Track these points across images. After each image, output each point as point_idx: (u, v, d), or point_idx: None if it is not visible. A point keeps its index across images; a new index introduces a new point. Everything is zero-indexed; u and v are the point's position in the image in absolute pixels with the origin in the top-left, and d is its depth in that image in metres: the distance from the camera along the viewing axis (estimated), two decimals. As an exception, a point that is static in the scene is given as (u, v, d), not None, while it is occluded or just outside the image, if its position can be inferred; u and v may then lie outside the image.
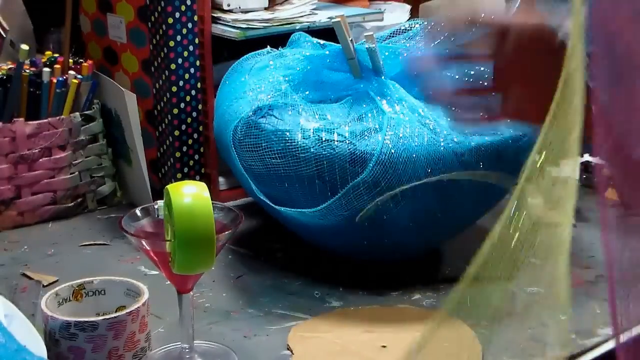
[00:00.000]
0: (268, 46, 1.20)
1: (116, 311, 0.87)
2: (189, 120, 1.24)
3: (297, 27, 1.26)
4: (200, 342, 0.90)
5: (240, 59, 1.18)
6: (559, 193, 0.57)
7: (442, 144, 0.98)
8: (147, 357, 0.88)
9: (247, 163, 1.04)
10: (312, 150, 0.99)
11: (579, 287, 1.04)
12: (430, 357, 0.82)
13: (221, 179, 1.30)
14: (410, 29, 1.15)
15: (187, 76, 1.22)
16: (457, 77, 0.83)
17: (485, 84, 0.83)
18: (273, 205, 1.03)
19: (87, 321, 0.83)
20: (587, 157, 1.34)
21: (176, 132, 1.24)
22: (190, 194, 0.78)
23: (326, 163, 0.99)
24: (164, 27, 1.20)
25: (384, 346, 0.91)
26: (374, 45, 1.06)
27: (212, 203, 0.78)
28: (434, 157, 0.97)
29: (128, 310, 0.85)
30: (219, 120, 1.12)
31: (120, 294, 0.90)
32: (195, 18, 1.21)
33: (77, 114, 1.23)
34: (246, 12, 1.27)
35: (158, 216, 0.87)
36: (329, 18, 1.28)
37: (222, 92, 1.15)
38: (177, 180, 1.24)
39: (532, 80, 0.78)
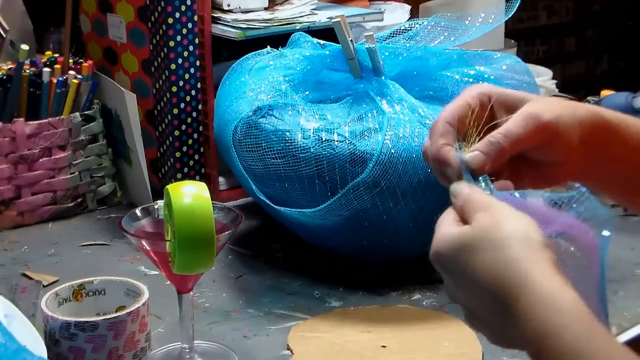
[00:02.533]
0: (268, 46, 1.20)
1: (116, 311, 0.87)
2: (189, 120, 1.24)
3: (297, 27, 1.25)
4: (200, 342, 0.90)
5: (240, 59, 1.18)
6: None
7: (442, 144, 0.98)
8: (147, 357, 0.88)
9: (247, 163, 1.04)
10: (312, 150, 0.99)
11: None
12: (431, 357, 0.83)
13: (221, 179, 1.30)
14: (410, 29, 1.15)
15: (187, 76, 1.22)
16: None
17: None
18: (273, 205, 1.03)
19: (87, 321, 0.83)
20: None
21: (176, 132, 1.24)
22: (190, 194, 0.78)
23: (326, 163, 0.99)
24: (164, 27, 1.20)
25: (383, 346, 0.91)
26: (374, 45, 1.06)
27: (212, 203, 0.78)
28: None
29: (128, 310, 0.85)
30: (219, 120, 1.12)
31: (120, 294, 0.90)
32: (195, 18, 1.21)
33: (77, 114, 1.23)
34: (246, 12, 1.27)
35: (158, 216, 0.87)
36: (329, 18, 1.28)
37: (222, 92, 1.15)
38: (177, 180, 1.24)
39: None
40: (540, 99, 0.70)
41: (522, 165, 0.68)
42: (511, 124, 0.66)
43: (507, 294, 0.56)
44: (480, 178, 0.65)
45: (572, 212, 0.60)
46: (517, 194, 0.63)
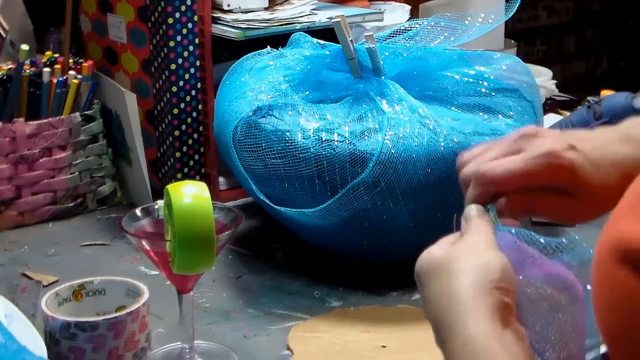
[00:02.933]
0: (268, 46, 1.20)
1: (116, 311, 0.87)
2: (189, 120, 1.24)
3: (297, 27, 1.25)
4: (200, 342, 0.90)
5: (240, 59, 1.18)
6: None
7: (442, 144, 0.98)
8: (148, 357, 0.88)
9: (247, 163, 1.04)
10: (312, 150, 0.99)
11: (579, 287, 1.05)
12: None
13: (221, 179, 1.30)
14: (410, 29, 1.15)
15: (187, 76, 1.22)
16: None
17: None
18: (273, 205, 1.03)
19: (87, 321, 0.83)
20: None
21: (176, 132, 1.24)
22: (190, 194, 0.78)
23: (326, 163, 0.99)
24: (164, 27, 1.20)
25: (383, 346, 0.91)
26: (374, 45, 1.06)
27: (212, 203, 0.78)
28: (434, 157, 0.98)
29: (128, 310, 0.85)
30: (219, 120, 1.12)
31: (120, 294, 0.90)
32: (195, 18, 1.21)
33: (77, 114, 1.23)
34: (246, 12, 1.27)
35: (158, 216, 0.87)
36: (329, 18, 1.28)
37: (222, 92, 1.15)
38: (177, 180, 1.24)
39: None
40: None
41: (548, 198, 0.65)
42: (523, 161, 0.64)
43: (443, 328, 0.56)
44: (489, 207, 0.64)
45: (559, 259, 0.60)
46: (513, 231, 0.61)
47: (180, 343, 0.88)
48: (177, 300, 0.85)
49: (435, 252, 0.61)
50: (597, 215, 0.65)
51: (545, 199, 0.65)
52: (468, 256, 0.58)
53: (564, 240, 0.60)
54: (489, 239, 0.60)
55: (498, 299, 0.55)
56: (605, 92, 1.40)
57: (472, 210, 0.64)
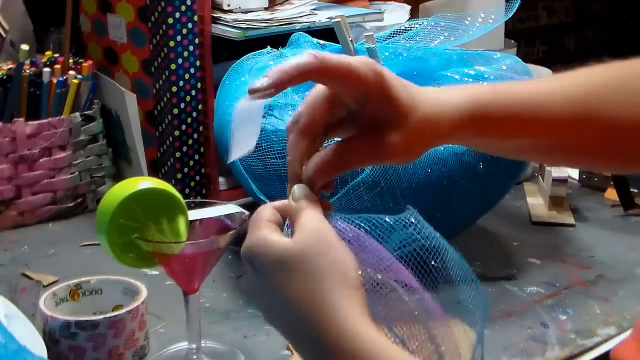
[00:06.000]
0: (268, 46, 1.20)
1: (113, 310, 0.87)
2: (189, 120, 1.24)
3: (297, 27, 1.25)
4: (207, 342, 0.90)
5: (240, 59, 1.18)
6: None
7: (442, 144, 0.98)
8: (154, 358, 0.88)
9: (247, 163, 1.04)
10: (312, 150, 0.99)
11: (579, 287, 1.05)
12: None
13: (221, 179, 1.30)
14: (410, 29, 1.15)
15: (187, 76, 1.22)
16: None
17: None
18: (273, 205, 1.03)
19: (87, 320, 0.84)
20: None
21: (176, 132, 1.24)
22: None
23: (326, 163, 0.99)
24: (164, 27, 1.20)
25: (383, 346, 0.90)
26: (374, 45, 1.06)
27: (213, 202, 0.78)
28: (434, 157, 0.97)
29: (128, 309, 0.85)
30: (219, 120, 1.12)
31: (117, 293, 0.90)
32: (195, 18, 1.21)
33: (77, 114, 1.24)
34: (246, 12, 1.27)
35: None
36: (329, 18, 1.28)
37: (222, 92, 1.15)
38: (177, 180, 1.24)
39: None
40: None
41: (351, 140, 0.66)
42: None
43: (314, 323, 0.57)
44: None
45: (403, 236, 0.60)
46: (355, 220, 0.63)
47: (187, 343, 0.87)
48: (176, 299, 0.85)
49: (280, 246, 0.60)
50: (413, 155, 0.67)
51: (356, 144, 0.65)
52: (321, 253, 0.58)
53: (404, 217, 0.62)
54: (332, 229, 0.60)
55: (361, 294, 0.57)
56: (605, 92, 1.39)
57: (306, 192, 0.63)
